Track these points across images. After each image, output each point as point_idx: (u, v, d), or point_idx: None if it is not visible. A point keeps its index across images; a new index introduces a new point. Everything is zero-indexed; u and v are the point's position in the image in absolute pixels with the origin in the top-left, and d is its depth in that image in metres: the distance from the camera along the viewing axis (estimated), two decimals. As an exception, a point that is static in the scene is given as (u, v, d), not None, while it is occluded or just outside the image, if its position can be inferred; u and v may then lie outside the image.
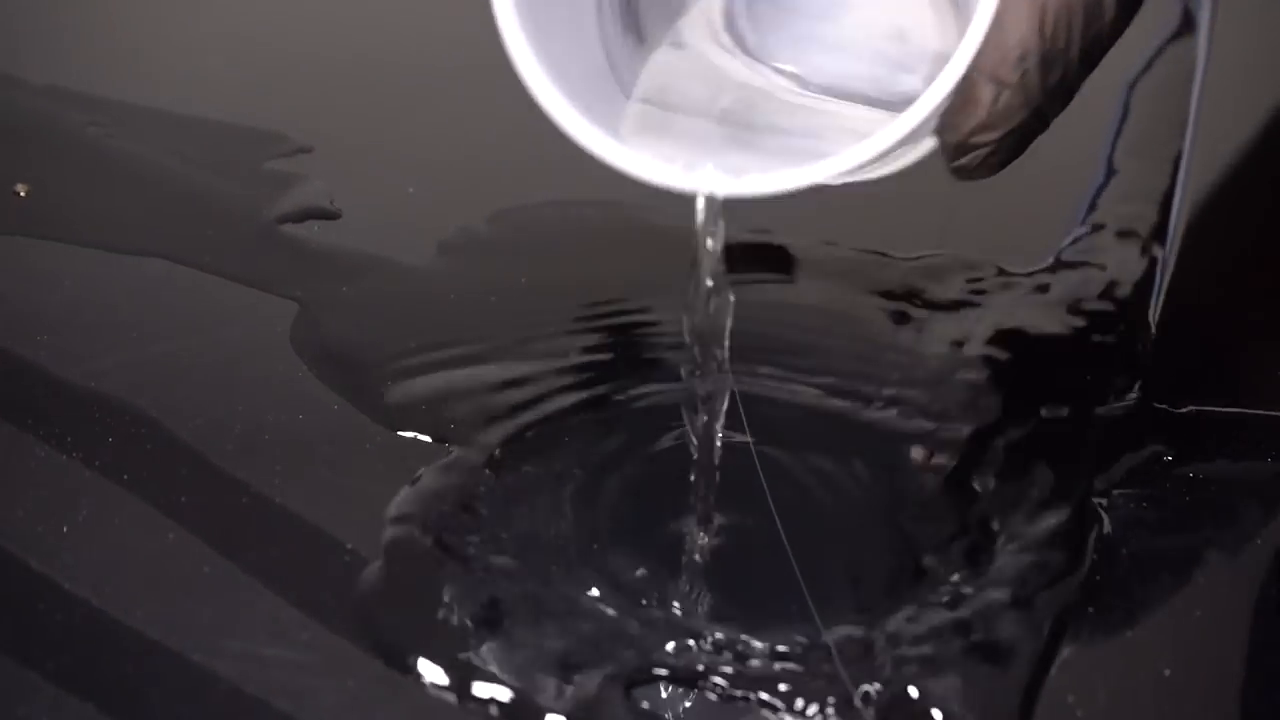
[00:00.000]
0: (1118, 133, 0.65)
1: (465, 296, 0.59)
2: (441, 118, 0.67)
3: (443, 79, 0.69)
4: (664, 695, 0.46)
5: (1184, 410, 0.54)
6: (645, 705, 0.45)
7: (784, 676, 0.46)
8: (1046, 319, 0.58)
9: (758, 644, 0.46)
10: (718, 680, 0.46)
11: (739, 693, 0.45)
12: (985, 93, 0.46)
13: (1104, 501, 0.51)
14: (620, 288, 0.58)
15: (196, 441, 0.53)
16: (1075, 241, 0.61)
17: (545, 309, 0.58)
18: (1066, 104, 0.48)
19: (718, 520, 0.50)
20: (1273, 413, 0.54)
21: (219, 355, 0.56)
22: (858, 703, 0.45)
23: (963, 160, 0.48)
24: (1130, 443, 0.53)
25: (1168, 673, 0.47)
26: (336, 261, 0.60)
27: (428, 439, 0.53)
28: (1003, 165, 0.48)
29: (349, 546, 0.49)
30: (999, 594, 0.48)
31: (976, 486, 0.51)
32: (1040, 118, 0.47)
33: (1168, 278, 0.59)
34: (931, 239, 0.60)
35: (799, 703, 0.45)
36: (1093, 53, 0.48)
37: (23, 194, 0.62)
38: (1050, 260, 0.60)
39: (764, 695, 0.45)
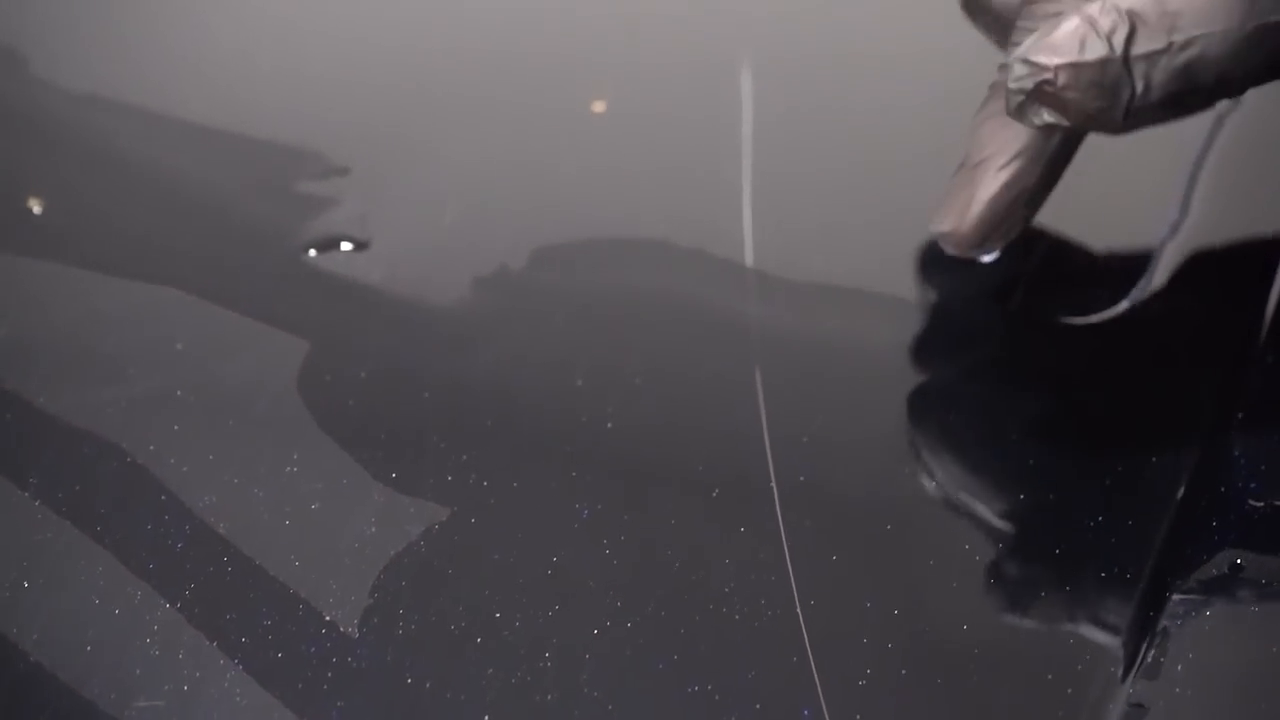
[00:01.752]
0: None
1: (492, 350, 0.54)
2: (490, 144, 0.63)
3: (494, 104, 0.65)
4: None
5: (1260, 504, 0.49)
6: None
7: None
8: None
9: None
10: None
11: None
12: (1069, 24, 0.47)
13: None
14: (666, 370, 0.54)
15: (182, 491, 0.49)
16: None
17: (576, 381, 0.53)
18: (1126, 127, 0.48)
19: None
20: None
21: (217, 395, 0.52)
22: None
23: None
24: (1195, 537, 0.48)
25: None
26: (360, 296, 0.56)
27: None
28: (1066, 102, 0.48)
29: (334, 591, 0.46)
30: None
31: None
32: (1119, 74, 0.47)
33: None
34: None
35: None
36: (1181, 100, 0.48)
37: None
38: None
39: None
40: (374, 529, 0.48)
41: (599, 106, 0.64)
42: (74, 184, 0.61)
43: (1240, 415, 0.51)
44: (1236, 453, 0.50)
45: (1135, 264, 0.57)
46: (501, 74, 0.65)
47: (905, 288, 0.57)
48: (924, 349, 0.54)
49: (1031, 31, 0.49)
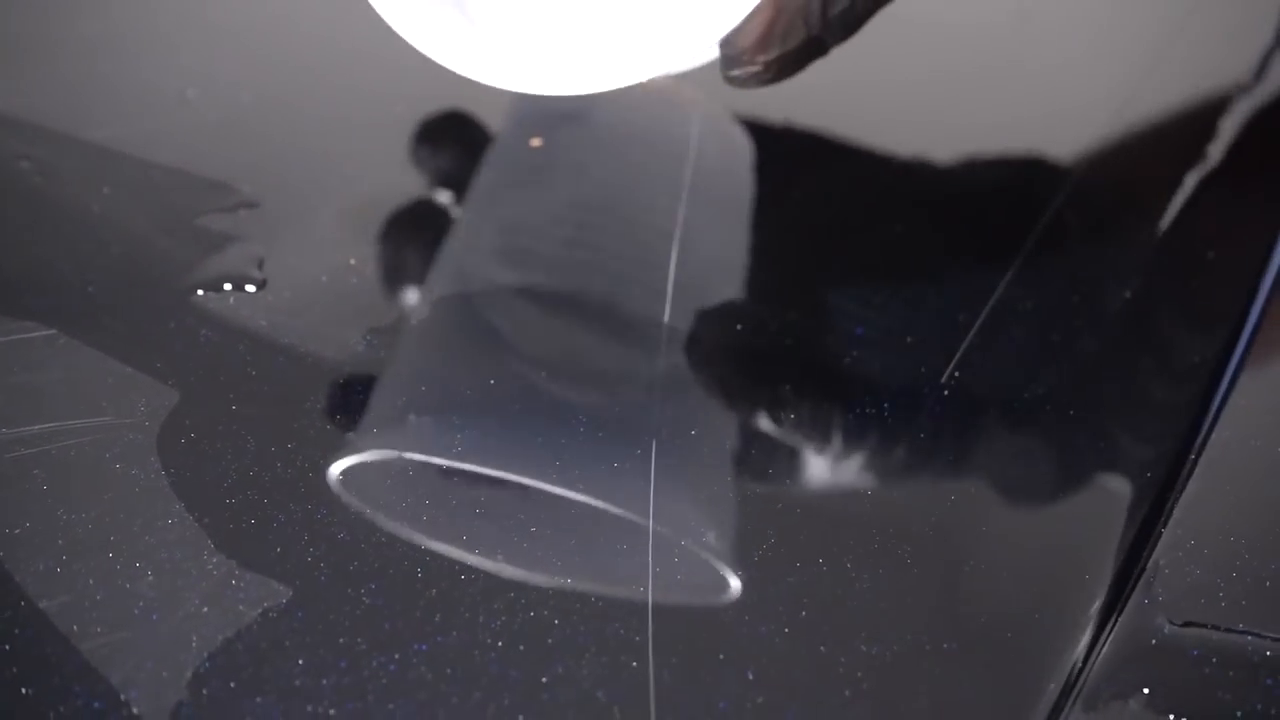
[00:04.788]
0: None
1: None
2: (401, 188, 0.59)
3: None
4: None
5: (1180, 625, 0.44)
6: None
7: None
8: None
9: None
10: None
11: None
12: (763, 14, 0.49)
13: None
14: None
15: (10, 558, 0.45)
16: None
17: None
18: (850, 35, 0.51)
19: None
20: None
21: (73, 452, 0.48)
22: None
23: (735, 72, 0.50)
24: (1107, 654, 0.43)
25: None
26: (242, 343, 0.52)
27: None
28: (774, 81, 0.51)
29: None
30: None
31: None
32: (819, 45, 0.50)
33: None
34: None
35: None
36: None
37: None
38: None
39: None
40: (206, 608, 0.44)
41: (535, 142, 0.60)
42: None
43: (1167, 524, 0.46)
44: (1162, 562, 0.45)
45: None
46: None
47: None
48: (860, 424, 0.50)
49: None
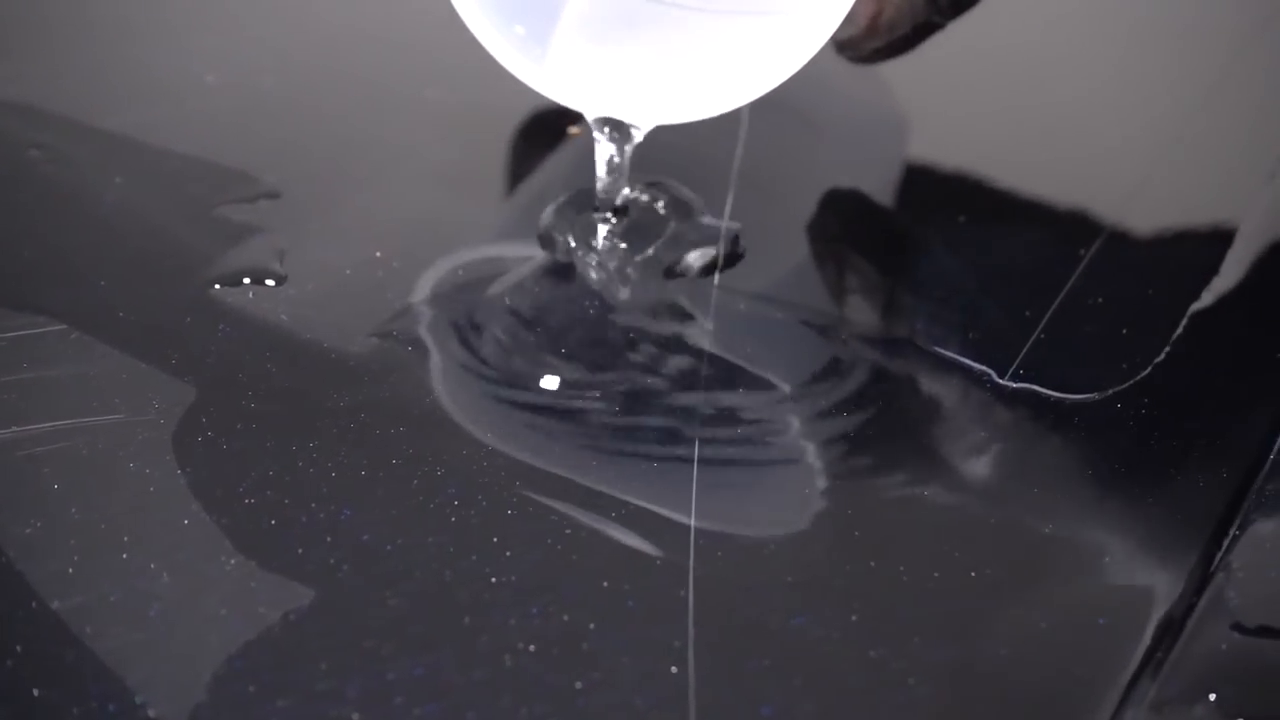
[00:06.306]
0: None
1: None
2: (433, 175, 0.57)
3: (441, 135, 0.59)
4: None
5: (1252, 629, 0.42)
6: None
7: None
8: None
9: None
10: None
11: None
12: (866, 8, 0.50)
13: None
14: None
15: (22, 558, 0.43)
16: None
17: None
18: (962, 13, 0.51)
19: None
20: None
21: (85, 450, 0.46)
22: None
23: (846, 54, 0.52)
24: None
25: None
26: (262, 338, 0.50)
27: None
28: (892, 57, 0.52)
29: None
30: None
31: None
32: (932, 27, 0.51)
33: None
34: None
35: None
36: None
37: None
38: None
39: None
40: (224, 610, 0.42)
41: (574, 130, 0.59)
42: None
43: (1244, 526, 0.44)
44: (1236, 565, 0.43)
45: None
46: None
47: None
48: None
49: None
